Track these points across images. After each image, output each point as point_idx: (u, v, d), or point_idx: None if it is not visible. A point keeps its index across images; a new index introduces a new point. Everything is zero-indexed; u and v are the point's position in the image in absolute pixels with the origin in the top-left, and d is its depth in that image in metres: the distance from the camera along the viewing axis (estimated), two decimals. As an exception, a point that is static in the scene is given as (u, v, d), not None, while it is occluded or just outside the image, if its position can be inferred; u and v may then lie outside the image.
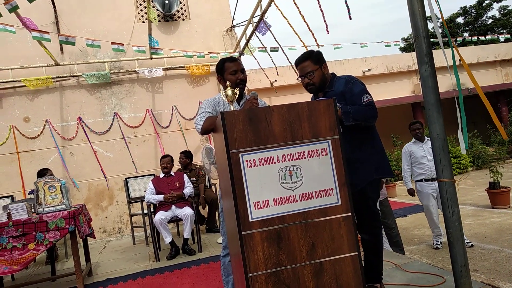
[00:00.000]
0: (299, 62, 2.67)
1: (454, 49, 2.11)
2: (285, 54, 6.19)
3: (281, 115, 2.06)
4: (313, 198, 2.07)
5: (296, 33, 4.97)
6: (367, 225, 2.67)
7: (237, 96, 2.24)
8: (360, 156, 2.58)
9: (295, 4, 4.60)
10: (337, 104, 2.47)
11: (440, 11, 2.15)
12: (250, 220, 1.99)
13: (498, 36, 12.41)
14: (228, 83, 2.23)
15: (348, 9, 3.59)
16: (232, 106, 2.21)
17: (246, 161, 2.02)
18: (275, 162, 2.05)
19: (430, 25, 27.24)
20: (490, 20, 23.86)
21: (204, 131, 2.44)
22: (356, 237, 2.14)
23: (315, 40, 5.26)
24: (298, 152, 2.08)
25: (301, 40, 4.99)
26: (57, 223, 3.73)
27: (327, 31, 4.09)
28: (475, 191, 8.41)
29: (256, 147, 2.03)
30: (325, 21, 3.99)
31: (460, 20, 24.70)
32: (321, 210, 2.07)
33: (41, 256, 5.88)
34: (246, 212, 1.99)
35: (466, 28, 24.62)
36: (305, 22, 4.86)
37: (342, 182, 2.10)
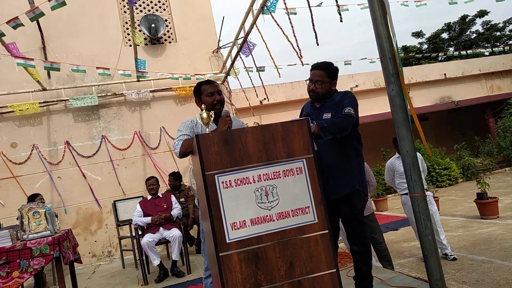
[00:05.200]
0: (315, 67, 2.78)
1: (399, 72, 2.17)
2: (261, 79, 6.28)
3: (256, 136, 2.10)
4: (289, 217, 2.10)
5: (272, 58, 5.10)
6: (356, 236, 2.74)
7: (212, 118, 2.28)
8: (345, 164, 2.68)
9: (278, 25, 4.71)
10: (313, 121, 2.55)
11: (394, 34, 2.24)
12: (227, 241, 2.01)
13: (482, 50, 12.73)
14: (203, 106, 2.28)
15: (316, 35, 3.71)
16: (207, 129, 2.24)
17: (222, 182, 2.05)
18: (251, 183, 2.08)
19: (416, 41, 27.83)
20: (474, 35, 24.46)
21: (182, 154, 2.48)
22: (335, 254, 2.15)
23: (300, 58, 5.37)
24: (274, 172, 2.11)
25: (276, 65, 5.12)
26: (42, 249, 3.70)
27: (301, 55, 4.21)
28: (465, 202, 8.46)
29: (231, 168, 2.06)
30: (298, 46, 4.11)
31: (445, 35, 25.29)
32: (298, 228, 2.09)
33: (29, 283, 5.78)
34: (223, 233, 2.01)
35: (451, 43, 25.19)
36: (289, 41, 4.97)
37: (318, 200, 2.13)
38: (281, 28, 5.11)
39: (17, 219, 5.63)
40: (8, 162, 6.86)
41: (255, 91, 7.89)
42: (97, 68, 6.21)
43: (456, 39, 24.81)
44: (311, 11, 3.64)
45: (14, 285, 3.64)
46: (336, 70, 2.80)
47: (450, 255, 4.75)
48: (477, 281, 3.98)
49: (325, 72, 2.73)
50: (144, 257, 4.99)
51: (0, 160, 6.83)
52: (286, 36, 5.13)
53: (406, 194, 4.94)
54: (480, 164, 10.19)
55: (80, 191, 7.13)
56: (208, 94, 2.58)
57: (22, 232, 3.95)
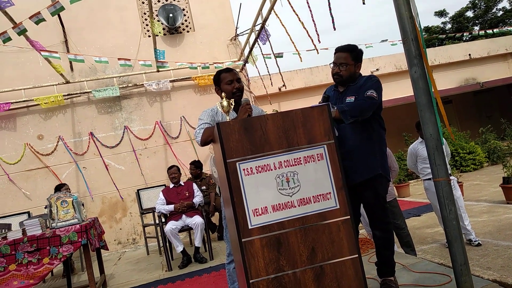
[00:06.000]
0: (339, 50, 2.74)
1: (424, 60, 2.10)
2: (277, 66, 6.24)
3: (276, 123, 2.11)
4: (311, 203, 2.11)
5: (293, 42, 5.04)
6: (378, 221, 2.74)
7: (232, 106, 2.29)
8: (368, 148, 2.66)
9: (294, 11, 4.65)
10: (333, 106, 2.52)
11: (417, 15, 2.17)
12: (250, 227, 2.04)
13: (509, 29, 12.20)
14: (223, 94, 2.29)
15: (333, 20, 3.64)
16: (228, 116, 2.26)
17: (244, 169, 2.07)
18: (272, 169, 2.09)
19: (439, 21, 26.90)
20: (501, 12, 23.47)
21: (204, 142, 2.51)
22: (356, 240, 2.16)
23: (315, 46, 5.30)
24: (294, 158, 2.11)
25: (297, 50, 5.04)
26: (70, 237, 3.84)
27: (319, 40, 4.16)
28: (491, 187, 8.26)
29: (252, 156, 2.07)
30: (316, 31, 4.04)
31: (469, 13, 24.37)
32: (320, 214, 2.10)
33: (58, 270, 6.02)
34: (245, 219, 2.04)
35: (476, 21, 24.26)
36: (305, 28, 4.91)
37: (339, 186, 2.13)
38: (297, 15, 5.02)
39: (45, 208, 5.86)
40: (35, 153, 7.10)
41: (270, 79, 7.84)
42: (119, 59, 6.30)
43: (482, 17, 23.86)
44: (328, -6, 3.58)
45: (44, 270, 3.81)
46: (360, 52, 2.76)
47: (475, 241, 4.67)
48: (502, 267, 3.90)
49: (349, 55, 2.69)
50: (167, 244, 5.11)
51: (28, 151, 7.07)
52: (302, 23, 5.03)
53: (429, 179, 4.88)
54: (506, 147, 9.88)
55: (105, 181, 7.32)
56: (227, 82, 2.59)
57: (51, 220, 4.11)
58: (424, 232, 5.85)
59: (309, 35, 5.16)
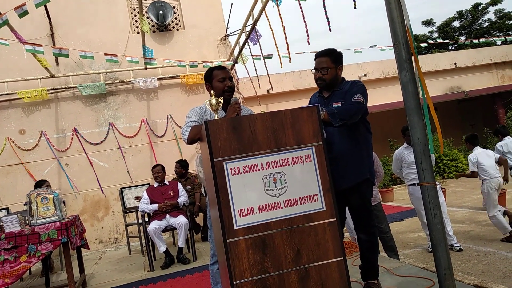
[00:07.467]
0: (318, 55, 2.76)
1: (414, 60, 2.12)
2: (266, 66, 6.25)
3: (265, 123, 2.08)
4: (297, 204, 2.09)
5: (277, 46, 5.10)
6: (364, 224, 2.75)
7: (221, 104, 2.26)
8: (356, 153, 2.67)
9: (279, 14, 4.65)
10: (322, 108, 2.52)
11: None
12: (235, 227, 2.00)
13: (494, 39, 12.48)
14: (212, 92, 2.26)
15: (328, 21, 3.66)
16: (216, 115, 2.23)
17: (230, 169, 2.04)
18: (259, 170, 2.07)
19: (426, 30, 27.37)
20: (486, 24, 24.01)
21: (191, 140, 2.47)
22: (341, 242, 2.15)
23: (289, 54, 5.34)
24: (282, 159, 2.09)
25: (279, 55, 5.07)
26: (50, 234, 3.74)
27: (308, 42, 4.18)
28: (472, 194, 8.42)
29: (240, 155, 2.04)
30: (307, 31, 4.06)
31: (456, 24, 24.86)
32: (306, 216, 2.08)
33: (37, 268, 5.87)
34: (230, 219, 2.00)
35: (463, 31, 24.76)
36: (285, 34, 4.94)
37: (326, 188, 2.11)
38: (281, 19, 4.98)
39: (24, 204, 5.71)
40: (16, 148, 6.92)
41: (258, 81, 7.81)
42: (105, 54, 6.20)
43: (468, 28, 24.36)
44: (323, -3, 3.58)
45: (21, 269, 3.69)
46: (340, 55, 2.78)
47: (456, 246, 4.73)
48: (483, 272, 3.97)
49: (329, 58, 2.71)
50: (150, 244, 5.04)
51: (9, 146, 6.89)
52: (284, 28, 5.00)
53: (414, 184, 4.93)
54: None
55: (87, 178, 7.19)
56: (219, 79, 2.56)
57: (30, 217, 4.00)
58: (407, 237, 5.90)
59: (286, 42, 5.17)
